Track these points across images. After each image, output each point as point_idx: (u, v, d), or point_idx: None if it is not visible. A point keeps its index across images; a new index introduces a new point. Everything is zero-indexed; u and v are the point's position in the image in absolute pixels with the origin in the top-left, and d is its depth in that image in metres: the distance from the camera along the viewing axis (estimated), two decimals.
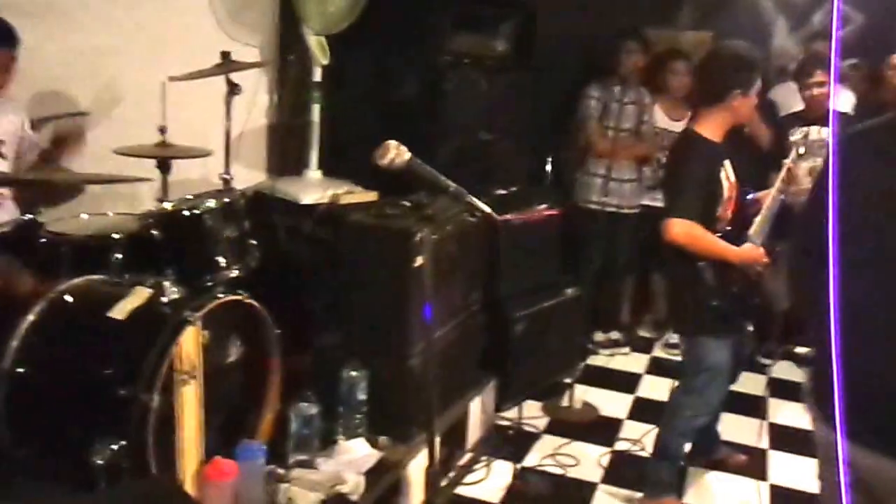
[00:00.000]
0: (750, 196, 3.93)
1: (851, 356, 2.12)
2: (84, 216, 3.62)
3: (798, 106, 5.60)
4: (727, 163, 3.75)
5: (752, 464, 4.56)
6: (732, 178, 3.77)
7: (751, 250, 3.73)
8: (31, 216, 3.33)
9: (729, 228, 3.75)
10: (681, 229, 3.61)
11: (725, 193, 3.73)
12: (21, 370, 2.91)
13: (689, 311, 3.91)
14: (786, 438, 4.87)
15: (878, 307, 2.15)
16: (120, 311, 2.98)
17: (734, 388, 4.40)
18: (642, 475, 4.20)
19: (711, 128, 3.75)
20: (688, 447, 4.20)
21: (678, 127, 5.92)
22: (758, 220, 3.80)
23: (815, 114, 5.35)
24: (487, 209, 2.77)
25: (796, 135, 5.27)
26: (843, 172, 2.21)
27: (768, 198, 3.88)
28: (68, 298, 3.07)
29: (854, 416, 2.16)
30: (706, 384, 3.91)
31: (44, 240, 3.27)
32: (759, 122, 5.21)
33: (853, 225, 2.11)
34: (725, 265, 3.70)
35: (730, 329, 3.84)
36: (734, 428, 4.55)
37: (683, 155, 3.83)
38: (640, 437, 4.81)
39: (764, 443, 4.83)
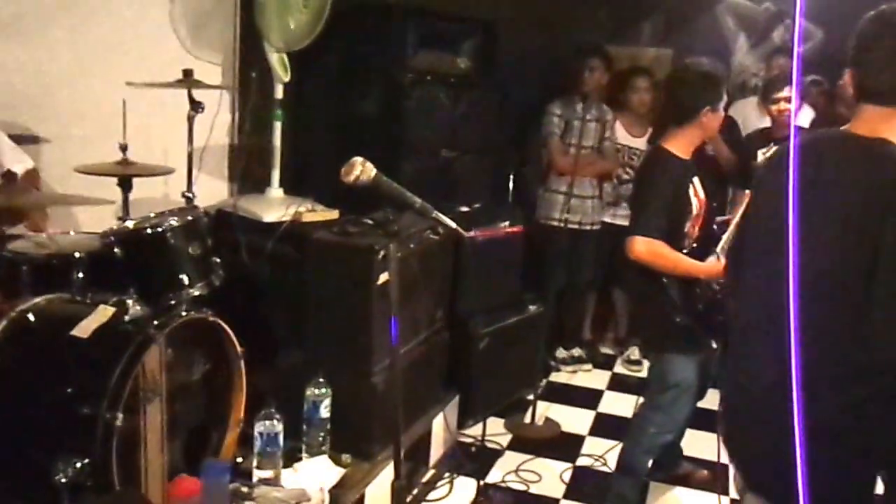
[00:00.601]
0: (719, 219, 3.97)
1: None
2: (45, 236, 3.62)
3: (760, 123, 5.64)
4: (696, 179, 3.79)
5: (714, 479, 4.55)
6: (702, 194, 3.80)
7: (715, 265, 3.71)
8: None
9: (695, 245, 3.79)
10: (643, 247, 3.62)
11: (694, 210, 3.76)
12: None
13: (655, 328, 3.94)
14: None
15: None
16: (83, 330, 2.99)
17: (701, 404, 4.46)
18: (605, 490, 4.23)
19: (681, 145, 3.78)
20: (650, 462, 4.23)
21: (639, 143, 6.04)
22: (725, 236, 3.83)
23: (782, 130, 5.32)
24: (454, 225, 2.80)
25: (766, 153, 5.31)
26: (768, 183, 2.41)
27: (737, 215, 3.93)
28: (31, 317, 3.08)
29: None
30: (673, 401, 3.92)
31: (5, 259, 3.27)
32: (720, 140, 5.22)
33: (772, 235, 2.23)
34: (690, 281, 3.71)
35: (696, 346, 3.84)
36: (696, 443, 4.61)
37: (651, 172, 3.85)
38: (602, 453, 4.85)
39: (725, 458, 4.86)
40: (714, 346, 3.79)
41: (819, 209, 2.15)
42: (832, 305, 2.13)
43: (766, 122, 5.56)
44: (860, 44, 2.24)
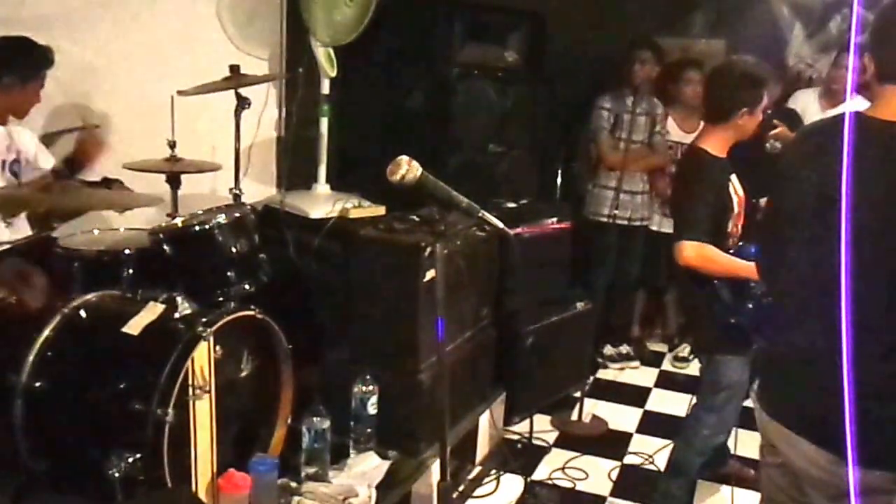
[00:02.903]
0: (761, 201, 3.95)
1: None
2: (96, 232, 3.74)
3: (819, 116, 5.59)
4: (734, 177, 3.79)
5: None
6: (741, 192, 3.81)
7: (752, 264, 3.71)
8: (45, 233, 3.47)
9: (741, 244, 3.78)
10: (692, 252, 3.61)
11: (735, 208, 3.76)
12: (38, 384, 3.02)
13: (708, 330, 3.91)
14: None
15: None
16: (134, 327, 3.08)
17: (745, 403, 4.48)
18: (653, 489, 4.27)
19: (717, 144, 3.77)
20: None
21: (690, 139, 6.00)
22: None
23: None
24: (501, 225, 2.80)
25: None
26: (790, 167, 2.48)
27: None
28: (83, 314, 3.19)
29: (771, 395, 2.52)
30: (725, 403, 3.94)
31: (57, 256, 3.40)
32: (787, 133, 5.05)
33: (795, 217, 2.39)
34: (741, 282, 3.66)
35: (749, 346, 3.76)
36: (743, 442, 4.61)
37: (690, 174, 3.85)
38: (650, 452, 4.90)
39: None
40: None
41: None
42: (877, 284, 2.20)
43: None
44: (881, 26, 2.32)
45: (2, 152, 3.75)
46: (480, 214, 2.70)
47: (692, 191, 3.76)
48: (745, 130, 3.80)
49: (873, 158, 2.20)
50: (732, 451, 4.54)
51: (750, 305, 3.71)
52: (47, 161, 3.95)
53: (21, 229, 3.76)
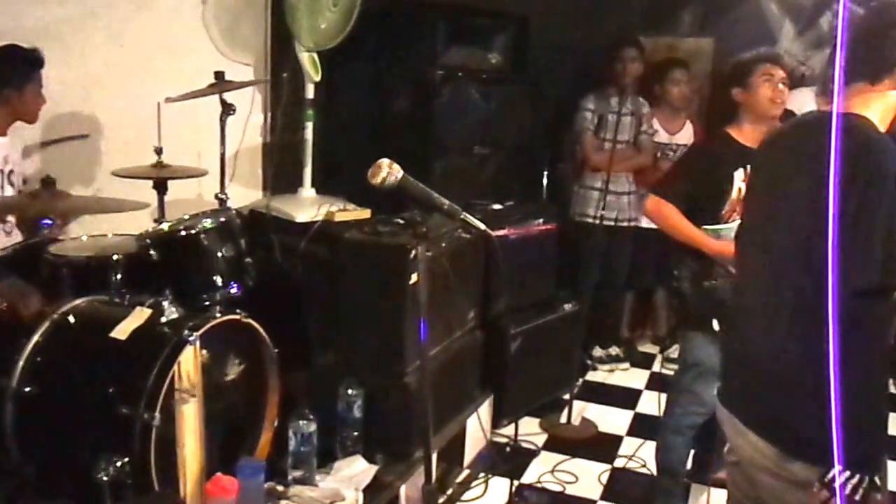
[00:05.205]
0: None
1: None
2: (84, 238, 3.82)
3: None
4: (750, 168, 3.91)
5: None
6: None
7: (725, 244, 3.75)
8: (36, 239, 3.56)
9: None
10: (652, 204, 3.93)
11: (734, 195, 3.85)
12: (28, 389, 3.10)
13: (678, 308, 4.20)
14: None
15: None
16: (121, 332, 3.15)
17: None
18: (646, 492, 4.37)
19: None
20: (689, 464, 4.32)
21: (677, 140, 6.06)
22: None
23: None
24: (482, 226, 2.81)
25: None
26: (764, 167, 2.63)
27: None
28: (71, 319, 3.26)
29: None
30: (693, 382, 4.05)
31: (46, 262, 3.47)
32: None
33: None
34: (705, 260, 3.87)
35: (706, 322, 3.93)
36: None
37: (694, 147, 4.07)
38: (640, 455, 4.95)
39: None
40: (716, 328, 3.91)
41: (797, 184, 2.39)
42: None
43: None
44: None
45: (1, 163, 3.83)
46: (462, 216, 2.72)
47: (685, 159, 4.11)
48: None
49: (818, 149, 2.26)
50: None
51: (707, 285, 3.88)
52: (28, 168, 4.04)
53: (16, 236, 3.84)
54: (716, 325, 3.89)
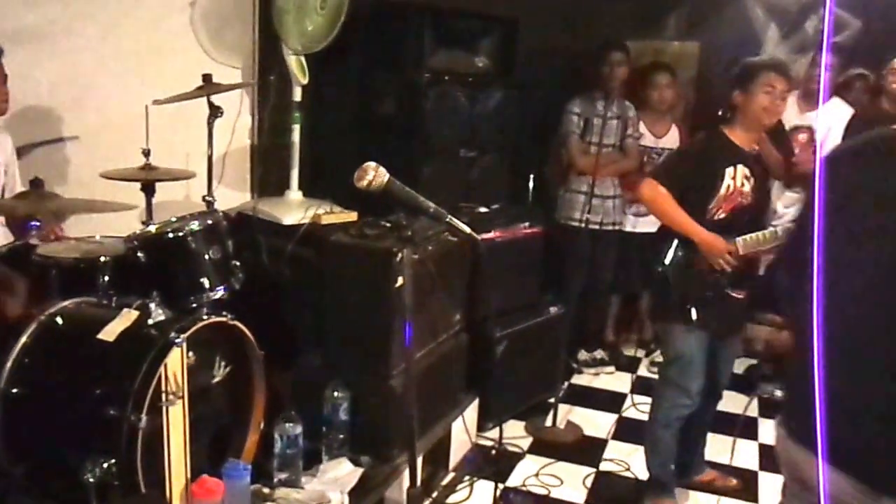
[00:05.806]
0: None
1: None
2: (72, 240, 3.83)
3: (798, 119, 5.71)
4: (741, 166, 3.98)
5: (744, 486, 4.68)
6: (740, 182, 3.98)
7: (715, 238, 3.95)
8: (24, 241, 3.56)
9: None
10: (647, 188, 4.01)
11: (722, 191, 3.95)
12: (15, 391, 3.11)
13: (657, 300, 4.32)
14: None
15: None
16: (109, 334, 3.17)
17: (726, 409, 4.62)
18: (634, 494, 4.43)
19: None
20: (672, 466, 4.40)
21: (662, 144, 6.10)
22: (755, 234, 4.00)
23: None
24: (468, 230, 2.87)
25: None
26: (834, 189, 2.24)
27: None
28: (59, 321, 3.28)
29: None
30: (678, 375, 4.15)
31: (34, 263, 3.48)
32: (769, 143, 4.78)
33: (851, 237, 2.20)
34: (692, 248, 3.98)
35: (684, 313, 4.05)
36: (725, 450, 4.71)
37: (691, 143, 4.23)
38: (625, 458, 4.96)
39: (755, 465, 4.98)
40: (694, 317, 3.98)
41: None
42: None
43: (806, 119, 5.69)
44: None
45: None
46: (448, 219, 2.76)
47: (682, 151, 4.32)
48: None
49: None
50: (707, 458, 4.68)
51: (693, 276, 4.01)
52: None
53: (3, 236, 3.87)
54: (694, 314, 3.97)
